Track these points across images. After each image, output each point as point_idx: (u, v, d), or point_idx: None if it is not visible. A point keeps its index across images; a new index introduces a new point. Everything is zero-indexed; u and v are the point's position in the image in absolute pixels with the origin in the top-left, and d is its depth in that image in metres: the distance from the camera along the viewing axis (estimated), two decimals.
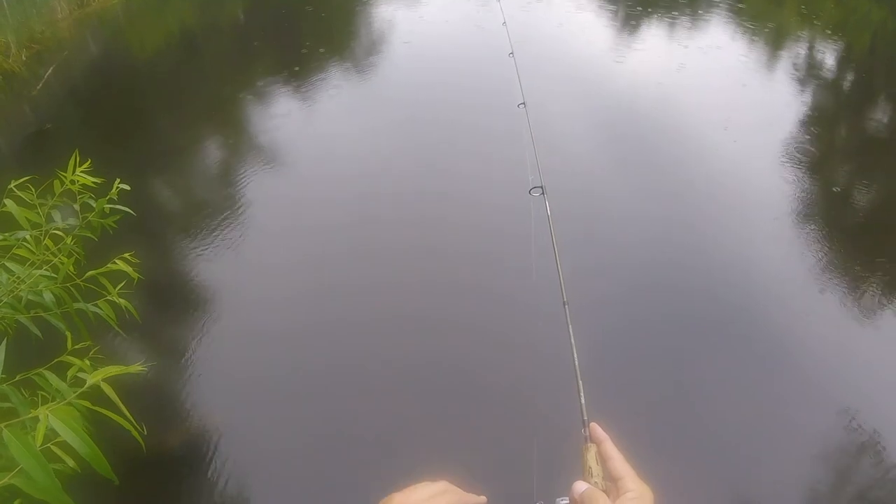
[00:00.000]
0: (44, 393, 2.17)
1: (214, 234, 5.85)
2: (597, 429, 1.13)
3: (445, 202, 6.41)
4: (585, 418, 1.18)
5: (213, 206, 6.44)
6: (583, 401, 1.27)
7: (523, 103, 3.30)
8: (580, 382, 1.33)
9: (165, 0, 14.14)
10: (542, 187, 2.27)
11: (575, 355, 1.41)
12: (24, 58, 9.90)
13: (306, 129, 8.14)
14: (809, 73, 10.20)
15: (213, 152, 7.94)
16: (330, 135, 7.89)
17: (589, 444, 1.11)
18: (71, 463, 1.38)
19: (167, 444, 3.93)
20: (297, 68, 9.90)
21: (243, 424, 4.11)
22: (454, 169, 7.03)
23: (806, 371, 4.62)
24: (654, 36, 11.90)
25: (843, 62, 10.96)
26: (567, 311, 1.58)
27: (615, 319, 4.86)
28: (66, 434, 1.38)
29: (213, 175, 7.27)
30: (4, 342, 1.65)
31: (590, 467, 1.07)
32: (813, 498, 3.88)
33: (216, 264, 5.51)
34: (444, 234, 5.98)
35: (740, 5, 13.76)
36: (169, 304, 5.11)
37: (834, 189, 7.21)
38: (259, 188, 6.69)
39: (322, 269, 5.47)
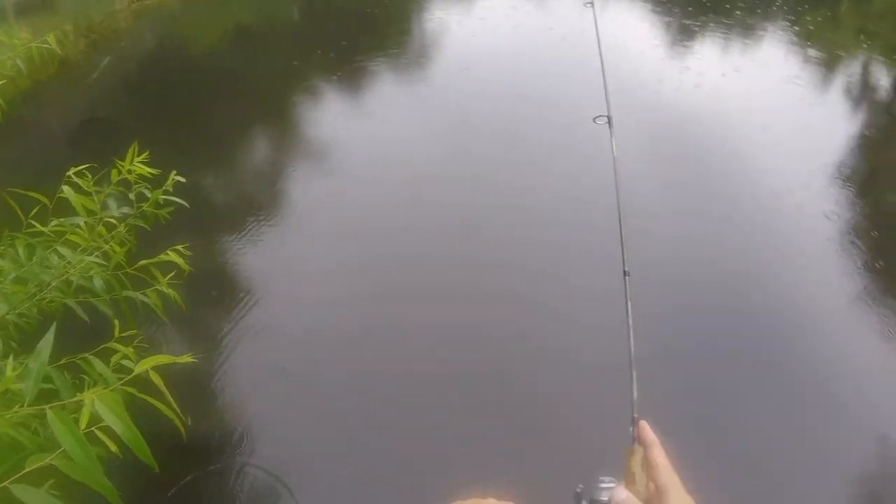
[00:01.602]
0: (87, 377, 2.22)
1: (260, 229, 5.95)
2: (646, 429, 1.02)
3: (494, 209, 6.41)
4: (635, 415, 1.06)
5: (261, 202, 6.53)
6: (635, 395, 1.13)
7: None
8: (634, 373, 1.18)
9: None
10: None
11: (631, 338, 1.24)
12: (81, 46, 10.14)
13: (357, 129, 8.18)
14: None
15: (263, 149, 8.05)
16: (381, 138, 7.92)
17: (635, 446, 1.01)
18: (114, 448, 1.41)
19: (201, 434, 3.98)
20: (350, 68, 9.94)
21: (277, 420, 4.16)
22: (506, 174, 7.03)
23: (842, 398, 4.53)
24: None
25: None
26: (627, 282, 1.40)
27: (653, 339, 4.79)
28: (110, 419, 1.40)
29: (262, 171, 7.36)
30: (53, 325, 1.68)
31: (633, 473, 0.99)
32: None
33: (260, 260, 5.60)
34: (491, 241, 5.96)
35: None
36: (211, 297, 5.18)
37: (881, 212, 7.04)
38: (307, 187, 6.78)
39: (364, 272, 5.50)
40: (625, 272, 1.43)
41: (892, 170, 8.02)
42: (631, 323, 1.27)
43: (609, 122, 2.07)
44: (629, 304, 1.32)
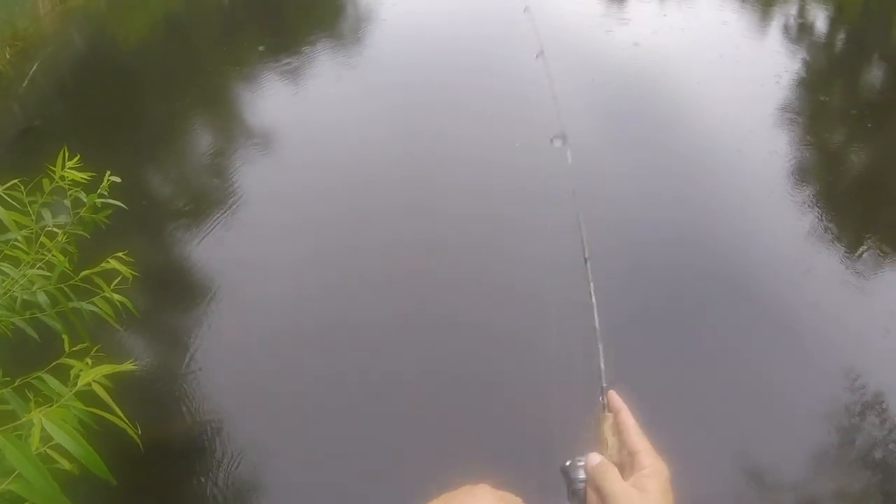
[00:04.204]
0: (47, 396, 2.16)
1: (210, 226, 5.78)
2: (614, 396, 1.08)
3: (453, 175, 6.34)
4: (604, 385, 1.12)
5: (209, 198, 6.36)
6: (602, 366, 1.21)
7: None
8: (600, 346, 1.26)
9: None
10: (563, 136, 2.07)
11: (596, 316, 1.32)
12: (8, 56, 9.80)
13: (301, 115, 8.01)
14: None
15: (205, 143, 7.84)
16: (326, 121, 7.74)
17: (606, 414, 1.07)
18: (67, 466, 1.37)
19: (169, 442, 3.92)
20: (287, 52, 9.71)
21: (244, 421, 4.09)
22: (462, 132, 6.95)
23: (804, 338, 4.61)
24: None
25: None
26: (589, 267, 1.48)
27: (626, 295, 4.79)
28: (60, 437, 1.37)
29: (207, 166, 7.18)
30: None
31: (605, 438, 1.04)
32: (816, 459, 3.90)
33: (213, 257, 5.44)
34: (451, 218, 5.87)
35: None
36: (167, 299, 5.06)
37: (830, 153, 7.15)
38: (255, 179, 6.59)
39: (322, 262, 5.40)
40: (585, 259, 1.52)
41: (832, 108, 8.17)
42: (594, 301, 1.35)
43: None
44: (592, 285, 1.41)
